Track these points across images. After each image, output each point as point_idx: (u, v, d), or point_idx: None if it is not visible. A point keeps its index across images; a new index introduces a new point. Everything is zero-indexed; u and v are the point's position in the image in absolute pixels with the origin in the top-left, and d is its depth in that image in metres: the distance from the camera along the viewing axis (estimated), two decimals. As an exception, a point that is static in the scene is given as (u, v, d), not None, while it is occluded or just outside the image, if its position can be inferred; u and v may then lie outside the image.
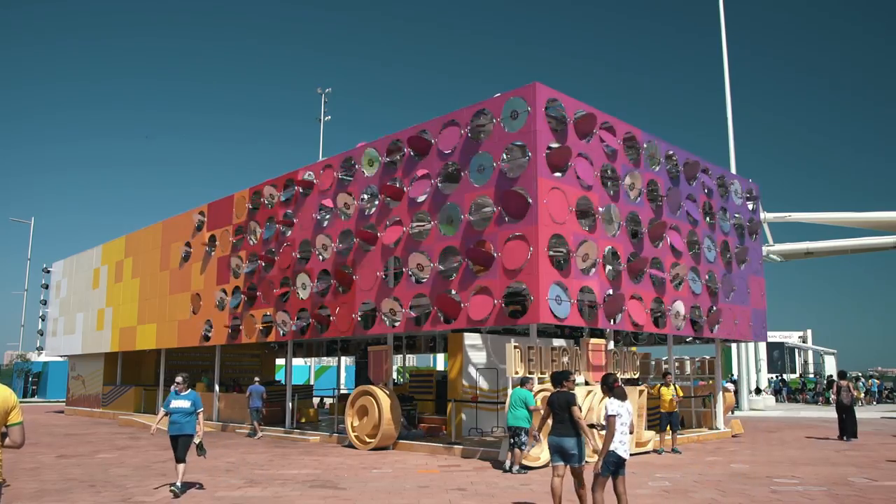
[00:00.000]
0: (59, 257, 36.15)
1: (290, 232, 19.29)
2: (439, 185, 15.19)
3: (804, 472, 12.33)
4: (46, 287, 44.41)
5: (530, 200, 13.26)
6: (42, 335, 47.31)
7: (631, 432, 7.48)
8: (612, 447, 7.27)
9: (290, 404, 20.26)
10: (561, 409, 7.75)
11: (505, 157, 13.98)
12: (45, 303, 45.82)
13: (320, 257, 17.96)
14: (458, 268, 14.48)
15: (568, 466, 7.79)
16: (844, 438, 17.92)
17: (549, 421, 8.00)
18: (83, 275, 31.57)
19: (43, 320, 46.40)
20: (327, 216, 18.20)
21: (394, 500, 9.53)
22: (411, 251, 15.43)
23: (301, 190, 19.09)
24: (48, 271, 42.39)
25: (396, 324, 15.67)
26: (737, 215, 19.81)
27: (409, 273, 15.31)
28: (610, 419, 7.30)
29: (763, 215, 31.55)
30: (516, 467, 12.07)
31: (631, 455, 14.36)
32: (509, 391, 13.50)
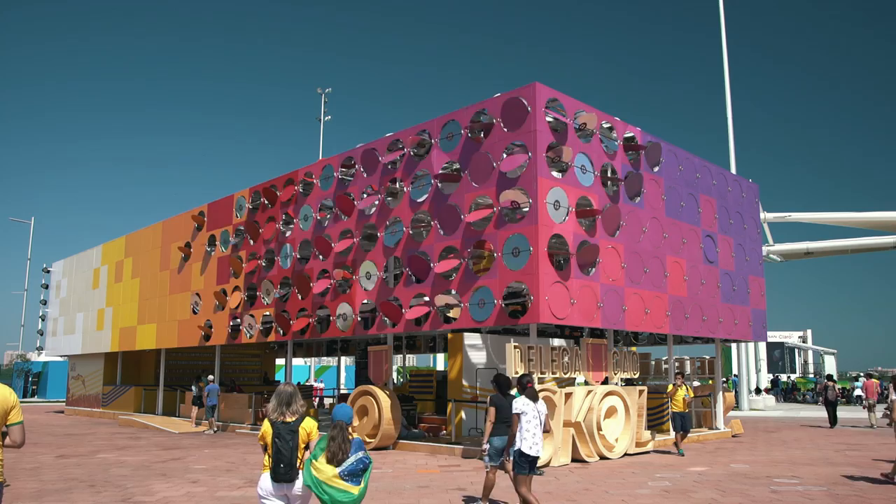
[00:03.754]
0: (59, 257, 36.17)
1: (290, 232, 19.29)
2: (439, 184, 15.20)
3: (804, 472, 12.33)
4: (46, 287, 44.34)
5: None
6: (42, 335, 47.23)
7: (546, 431, 7.64)
8: (517, 444, 7.40)
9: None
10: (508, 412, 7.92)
11: (505, 157, 13.99)
12: (45, 303, 45.76)
13: (320, 257, 17.95)
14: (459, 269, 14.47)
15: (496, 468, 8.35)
16: (833, 426, 22.07)
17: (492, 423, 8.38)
18: (83, 275, 31.58)
19: (43, 320, 46.33)
20: (328, 216, 18.19)
21: (394, 500, 9.52)
22: (410, 251, 15.44)
23: (301, 190, 19.09)
24: (48, 271, 42.34)
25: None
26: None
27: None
28: (514, 417, 7.47)
29: (763, 215, 31.57)
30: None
31: (631, 455, 14.52)
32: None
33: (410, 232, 15.65)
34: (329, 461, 5.17)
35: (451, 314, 14.66)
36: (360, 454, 5.27)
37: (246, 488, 10.55)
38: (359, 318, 16.64)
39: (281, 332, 19.11)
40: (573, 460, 13.58)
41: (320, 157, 33.37)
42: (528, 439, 7.36)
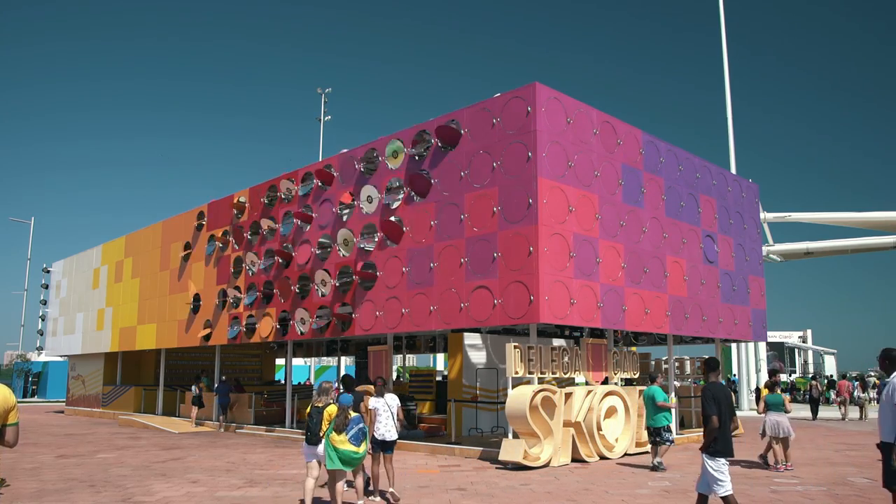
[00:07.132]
0: (59, 257, 36.14)
1: (290, 232, 19.29)
2: (439, 184, 15.20)
3: (804, 472, 12.34)
4: (46, 287, 44.37)
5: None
6: (42, 335, 47.26)
7: (399, 419, 9.78)
8: (372, 431, 9.47)
9: (291, 404, 20.26)
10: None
11: (504, 157, 13.98)
12: (45, 303, 45.78)
13: (321, 258, 17.96)
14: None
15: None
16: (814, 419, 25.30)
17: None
18: (83, 275, 31.57)
19: (43, 320, 46.35)
20: (328, 216, 18.20)
21: (394, 500, 9.52)
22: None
23: (300, 190, 19.10)
24: (48, 271, 42.36)
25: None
26: None
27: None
28: (371, 411, 9.68)
29: (763, 215, 31.57)
30: (658, 459, 12.44)
31: (631, 455, 14.51)
32: (509, 391, 13.50)
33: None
34: (338, 432, 7.92)
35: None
36: (361, 425, 8.11)
37: (246, 488, 10.55)
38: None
39: (281, 332, 19.12)
40: (573, 460, 13.58)
41: (320, 157, 33.31)
42: (381, 428, 9.52)
